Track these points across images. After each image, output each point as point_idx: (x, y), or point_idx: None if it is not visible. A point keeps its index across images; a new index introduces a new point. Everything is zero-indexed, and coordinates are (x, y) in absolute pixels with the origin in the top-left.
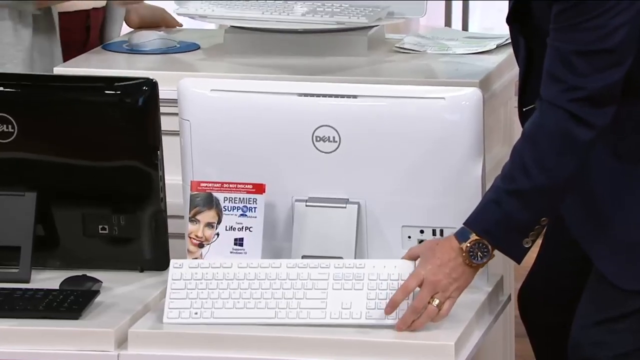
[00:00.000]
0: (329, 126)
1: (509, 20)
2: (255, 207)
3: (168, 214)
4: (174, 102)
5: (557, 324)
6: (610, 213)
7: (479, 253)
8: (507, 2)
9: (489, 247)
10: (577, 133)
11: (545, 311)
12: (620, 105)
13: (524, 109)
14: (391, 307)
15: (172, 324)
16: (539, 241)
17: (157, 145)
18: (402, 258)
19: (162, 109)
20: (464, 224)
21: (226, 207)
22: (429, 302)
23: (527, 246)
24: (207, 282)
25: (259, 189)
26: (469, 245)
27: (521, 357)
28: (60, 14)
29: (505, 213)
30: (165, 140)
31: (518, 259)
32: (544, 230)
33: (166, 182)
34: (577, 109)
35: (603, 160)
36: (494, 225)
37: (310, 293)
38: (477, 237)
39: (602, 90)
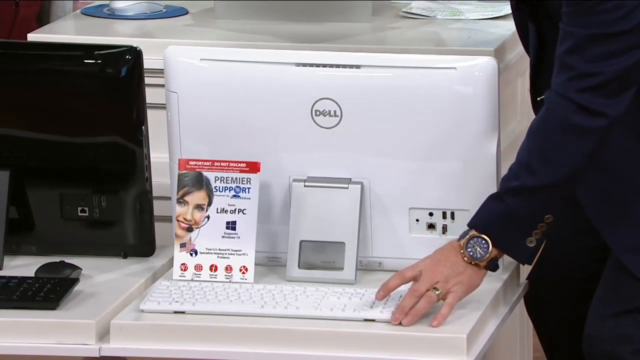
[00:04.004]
0: (330, 99)
1: (515, 6)
2: (249, 188)
3: (154, 195)
4: (160, 72)
5: (565, 320)
6: (631, 199)
7: (478, 249)
8: None
9: (489, 243)
10: (584, 125)
11: (552, 307)
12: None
13: (537, 99)
14: (384, 291)
15: (154, 314)
16: None
17: (141, 120)
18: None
19: (147, 80)
20: (467, 224)
21: (217, 188)
22: (428, 290)
23: (531, 245)
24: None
25: (253, 167)
26: (466, 240)
27: (540, 350)
28: None
29: (506, 209)
30: (151, 114)
31: (522, 259)
32: (554, 227)
33: (152, 160)
34: (584, 99)
35: (625, 145)
36: (493, 222)
37: (302, 297)
38: (475, 233)
39: (620, 74)
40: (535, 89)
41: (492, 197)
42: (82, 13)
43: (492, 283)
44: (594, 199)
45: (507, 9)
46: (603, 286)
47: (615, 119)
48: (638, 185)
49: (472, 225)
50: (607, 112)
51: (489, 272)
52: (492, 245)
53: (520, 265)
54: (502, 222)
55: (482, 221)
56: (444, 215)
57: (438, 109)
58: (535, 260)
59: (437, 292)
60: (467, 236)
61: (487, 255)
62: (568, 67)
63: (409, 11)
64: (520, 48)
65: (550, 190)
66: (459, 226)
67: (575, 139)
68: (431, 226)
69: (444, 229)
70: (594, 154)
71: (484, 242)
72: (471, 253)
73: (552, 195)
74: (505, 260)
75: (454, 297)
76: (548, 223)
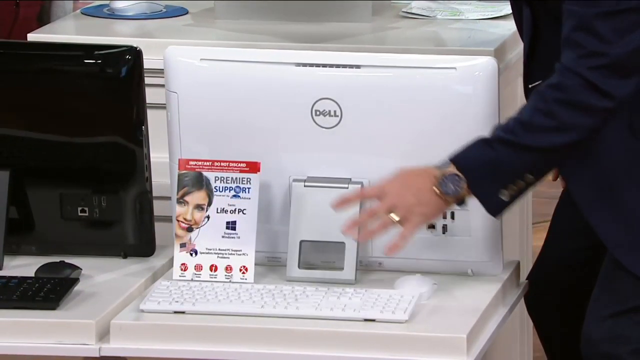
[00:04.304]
0: (330, 99)
1: None
2: (249, 188)
3: (154, 195)
4: (160, 72)
5: (565, 319)
6: (624, 194)
7: (452, 185)
8: None
9: (462, 183)
10: (592, 103)
11: (551, 307)
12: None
13: (529, 85)
14: (341, 202)
15: (154, 314)
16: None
17: (141, 120)
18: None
19: (147, 80)
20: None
21: (217, 188)
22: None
23: (503, 198)
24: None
25: (253, 167)
26: (443, 173)
27: (540, 350)
28: None
29: (493, 158)
30: (151, 114)
31: (490, 209)
32: (531, 188)
33: (152, 160)
34: (596, 78)
35: (618, 138)
36: (475, 163)
37: (302, 297)
38: (454, 170)
39: (628, 55)
40: (529, 73)
41: (482, 141)
42: (82, 13)
43: (492, 283)
44: (586, 194)
45: (507, 9)
46: (599, 285)
47: (620, 102)
48: (631, 180)
49: (454, 161)
50: (615, 94)
51: (489, 271)
52: (465, 187)
53: (521, 264)
54: (484, 168)
55: (465, 160)
56: (444, 215)
57: (438, 109)
58: (535, 260)
59: (394, 218)
60: (445, 170)
61: (457, 195)
62: (577, 44)
63: (409, 11)
64: (520, 48)
65: (541, 154)
66: (460, 226)
67: (579, 115)
68: (431, 226)
69: (444, 229)
70: (593, 132)
71: (458, 180)
72: (444, 188)
73: (540, 158)
74: (505, 260)
75: (411, 228)
76: (527, 182)
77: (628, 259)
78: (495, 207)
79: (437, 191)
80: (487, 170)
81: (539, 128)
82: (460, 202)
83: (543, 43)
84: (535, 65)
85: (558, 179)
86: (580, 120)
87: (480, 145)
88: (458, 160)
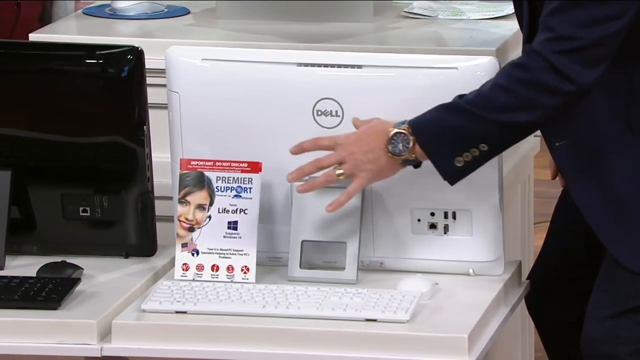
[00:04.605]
0: (331, 99)
1: None
2: (250, 188)
3: (155, 194)
4: (161, 72)
5: (565, 319)
6: (623, 190)
7: (400, 144)
8: None
9: (411, 143)
10: (552, 85)
11: (552, 306)
12: (631, 73)
13: None
14: (297, 148)
15: (156, 314)
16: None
17: (143, 120)
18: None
19: (149, 80)
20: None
21: (219, 188)
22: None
23: (458, 165)
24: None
25: (255, 167)
26: (396, 131)
27: (541, 349)
28: None
29: (447, 121)
30: (152, 114)
31: (444, 174)
32: (486, 159)
33: (153, 160)
34: (560, 61)
35: (616, 136)
36: (429, 126)
37: (303, 297)
38: (406, 130)
39: (598, 42)
40: None
41: (440, 107)
42: (83, 13)
43: (493, 283)
44: (584, 190)
45: (508, 9)
46: (598, 286)
47: (582, 91)
48: (630, 176)
49: (410, 122)
50: (577, 80)
51: (491, 271)
52: (420, 147)
53: (522, 264)
54: (438, 131)
55: (419, 122)
56: (446, 215)
57: None
58: (535, 260)
59: (339, 173)
60: (397, 129)
61: (405, 155)
62: (549, 28)
63: (410, 11)
64: (521, 48)
65: (496, 126)
66: (461, 226)
67: (539, 95)
68: (433, 226)
69: (446, 229)
70: (550, 115)
71: (409, 141)
72: (392, 147)
73: (495, 131)
74: (507, 260)
75: (356, 185)
76: (482, 151)
77: (627, 257)
78: (449, 174)
79: (385, 148)
80: (440, 134)
81: (496, 103)
82: (416, 164)
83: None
84: None
85: (557, 178)
86: (539, 100)
87: (437, 110)
88: (413, 121)
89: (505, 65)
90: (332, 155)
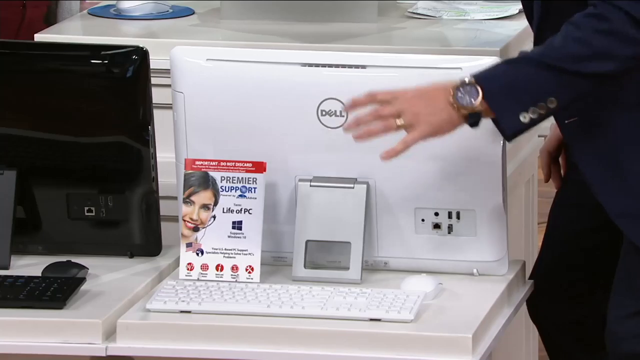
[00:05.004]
0: (336, 99)
1: None
2: (255, 188)
3: (160, 194)
4: (166, 72)
5: (565, 320)
6: (629, 164)
7: (467, 95)
8: None
9: (478, 96)
10: (633, 36)
11: (552, 307)
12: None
13: None
14: (352, 104)
15: (160, 313)
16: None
17: (148, 120)
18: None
19: (154, 80)
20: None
21: (223, 187)
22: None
23: (523, 120)
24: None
25: (259, 167)
26: (459, 84)
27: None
28: None
29: (515, 73)
30: (157, 114)
31: (508, 130)
32: (550, 115)
33: (158, 160)
34: (638, 11)
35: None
36: (497, 78)
37: (308, 297)
38: (473, 81)
39: None
40: None
41: (507, 60)
42: (89, 13)
43: (497, 283)
44: (591, 162)
45: (512, 9)
46: (618, 281)
47: None
48: (636, 150)
49: (476, 75)
50: None
51: (495, 271)
52: (483, 98)
53: (526, 265)
54: (506, 84)
55: (486, 74)
56: (450, 215)
57: None
58: (535, 261)
59: (399, 122)
60: (464, 81)
61: (473, 106)
62: None
63: (414, 11)
64: (525, 48)
65: (569, 77)
66: (465, 226)
67: (618, 44)
68: (437, 226)
69: (450, 229)
70: (626, 66)
71: (475, 91)
72: (458, 97)
73: (568, 82)
74: (510, 259)
75: (414, 135)
76: (549, 106)
77: (629, 226)
78: (511, 128)
79: (451, 99)
80: (509, 87)
81: (571, 53)
82: (475, 121)
83: (551, 28)
84: None
85: (549, 180)
86: (616, 49)
87: (504, 63)
88: (480, 74)
89: (572, 20)
90: (392, 106)
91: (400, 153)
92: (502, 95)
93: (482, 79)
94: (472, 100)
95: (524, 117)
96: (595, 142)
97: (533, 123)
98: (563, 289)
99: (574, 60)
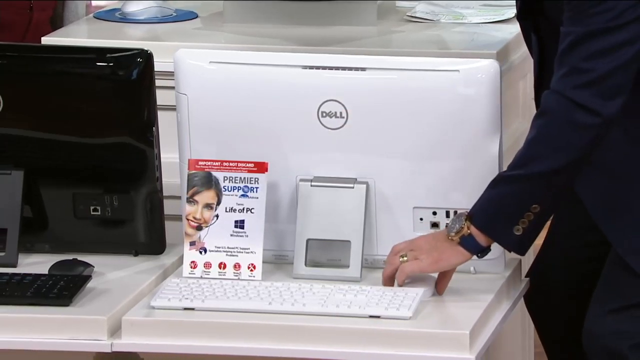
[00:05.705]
0: (336, 101)
1: (520, 16)
2: (257, 187)
3: (164, 194)
4: (170, 74)
5: (563, 317)
6: (633, 200)
7: (457, 224)
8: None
9: (463, 218)
10: (581, 122)
11: (550, 304)
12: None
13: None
14: (386, 280)
15: (164, 310)
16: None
17: (152, 121)
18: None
19: (158, 82)
20: None
21: (226, 187)
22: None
23: (517, 234)
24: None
25: (261, 167)
26: (452, 218)
27: (541, 346)
28: None
29: (495, 196)
30: (161, 115)
31: (509, 247)
32: (544, 220)
33: (162, 160)
34: (580, 96)
35: (622, 146)
36: (481, 205)
37: (308, 294)
38: (463, 215)
39: (611, 72)
40: (538, 99)
41: (488, 186)
42: (94, 17)
43: (494, 279)
44: (596, 200)
45: (509, 12)
46: (602, 282)
47: (609, 121)
48: (635, 185)
49: (469, 213)
50: (601, 112)
51: (492, 270)
52: (477, 229)
53: (522, 263)
54: (489, 207)
55: (472, 208)
56: (447, 214)
57: (441, 111)
58: (534, 258)
59: (402, 259)
60: (455, 216)
61: (460, 230)
62: (564, 64)
63: (413, 15)
64: (521, 51)
65: (541, 180)
66: None
67: (568, 134)
68: (435, 225)
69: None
70: (586, 151)
71: (462, 218)
72: (450, 229)
73: (542, 184)
74: (507, 257)
75: (412, 265)
76: (535, 213)
77: (632, 257)
78: (513, 244)
79: (448, 235)
80: (491, 209)
81: (531, 157)
82: (480, 249)
83: (550, 65)
84: (544, 90)
85: None
86: (570, 140)
87: (486, 190)
88: (472, 209)
89: (537, 113)
90: (398, 249)
91: (398, 281)
92: (488, 220)
93: (470, 212)
94: (459, 226)
95: (518, 230)
96: (594, 176)
97: (531, 231)
98: (561, 286)
99: (536, 162)
